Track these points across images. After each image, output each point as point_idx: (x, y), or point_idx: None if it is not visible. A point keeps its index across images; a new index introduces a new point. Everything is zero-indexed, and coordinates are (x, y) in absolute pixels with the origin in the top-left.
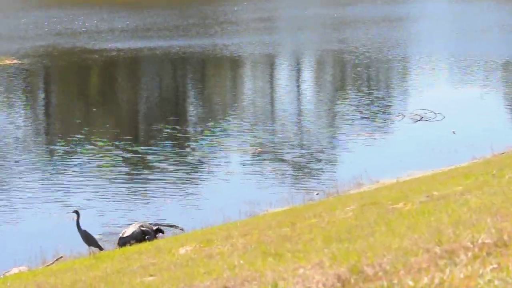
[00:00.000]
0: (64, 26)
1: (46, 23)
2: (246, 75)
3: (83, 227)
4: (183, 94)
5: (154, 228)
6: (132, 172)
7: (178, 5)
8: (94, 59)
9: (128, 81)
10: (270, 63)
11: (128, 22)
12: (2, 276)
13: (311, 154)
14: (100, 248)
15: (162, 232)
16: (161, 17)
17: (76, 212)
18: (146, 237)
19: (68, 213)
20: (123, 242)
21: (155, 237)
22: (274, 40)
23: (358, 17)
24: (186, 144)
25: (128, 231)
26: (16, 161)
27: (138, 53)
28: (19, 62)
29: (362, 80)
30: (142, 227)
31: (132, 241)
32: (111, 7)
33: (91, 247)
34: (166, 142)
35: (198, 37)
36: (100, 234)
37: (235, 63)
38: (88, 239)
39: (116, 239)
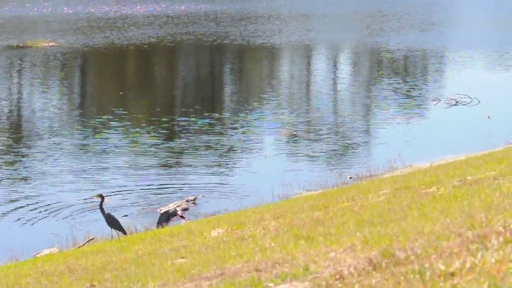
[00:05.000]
0: (103, 11)
1: (84, 8)
2: (283, 63)
3: (107, 210)
4: (220, 80)
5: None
6: (167, 155)
7: None
8: (131, 45)
9: (165, 67)
10: (308, 53)
11: (168, 10)
12: (33, 257)
13: (346, 138)
14: (124, 232)
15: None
16: (201, 6)
17: (101, 195)
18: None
19: (92, 196)
20: (164, 218)
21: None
22: (313, 31)
23: (394, 8)
24: (221, 129)
25: (165, 209)
26: (49, 143)
27: (176, 40)
28: (56, 44)
29: (398, 66)
30: (178, 206)
31: (167, 220)
32: None
33: (116, 230)
34: (202, 126)
35: (236, 26)
36: (126, 216)
37: (272, 52)
38: (112, 222)
39: (150, 219)
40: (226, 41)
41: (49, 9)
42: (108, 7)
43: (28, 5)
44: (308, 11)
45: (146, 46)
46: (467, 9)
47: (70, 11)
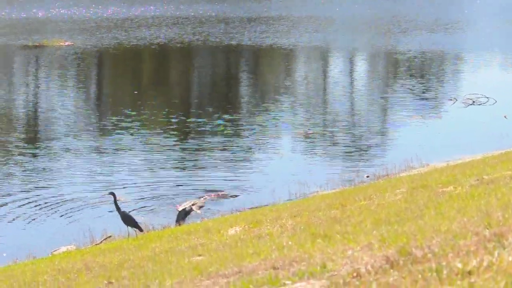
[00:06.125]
0: (119, 12)
1: (100, 9)
2: (297, 64)
3: (123, 209)
4: (233, 81)
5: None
6: (183, 154)
7: None
8: (143, 45)
9: (178, 68)
10: (321, 54)
11: (181, 12)
12: (50, 255)
13: (362, 137)
14: (140, 229)
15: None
16: (215, 9)
17: (112, 193)
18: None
19: (103, 195)
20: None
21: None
22: (329, 34)
23: (405, 10)
24: (236, 129)
25: (182, 206)
26: (65, 142)
27: (191, 42)
28: (71, 43)
29: (414, 67)
30: (194, 204)
31: (184, 218)
32: None
33: (132, 227)
34: (217, 126)
35: (246, 27)
36: (143, 214)
37: (285, 53)
38: (127, 220)
39: (167, 217)
40: (237, 42)
41: (55, 10)
42: (116, 8)
43: (34, 7)
44: (319, 13)
45: (157, 46)
46: (482, 10)
47: (78, 13)
